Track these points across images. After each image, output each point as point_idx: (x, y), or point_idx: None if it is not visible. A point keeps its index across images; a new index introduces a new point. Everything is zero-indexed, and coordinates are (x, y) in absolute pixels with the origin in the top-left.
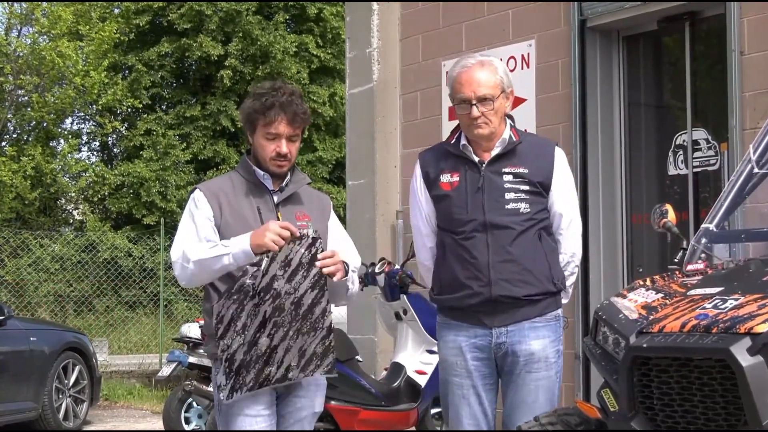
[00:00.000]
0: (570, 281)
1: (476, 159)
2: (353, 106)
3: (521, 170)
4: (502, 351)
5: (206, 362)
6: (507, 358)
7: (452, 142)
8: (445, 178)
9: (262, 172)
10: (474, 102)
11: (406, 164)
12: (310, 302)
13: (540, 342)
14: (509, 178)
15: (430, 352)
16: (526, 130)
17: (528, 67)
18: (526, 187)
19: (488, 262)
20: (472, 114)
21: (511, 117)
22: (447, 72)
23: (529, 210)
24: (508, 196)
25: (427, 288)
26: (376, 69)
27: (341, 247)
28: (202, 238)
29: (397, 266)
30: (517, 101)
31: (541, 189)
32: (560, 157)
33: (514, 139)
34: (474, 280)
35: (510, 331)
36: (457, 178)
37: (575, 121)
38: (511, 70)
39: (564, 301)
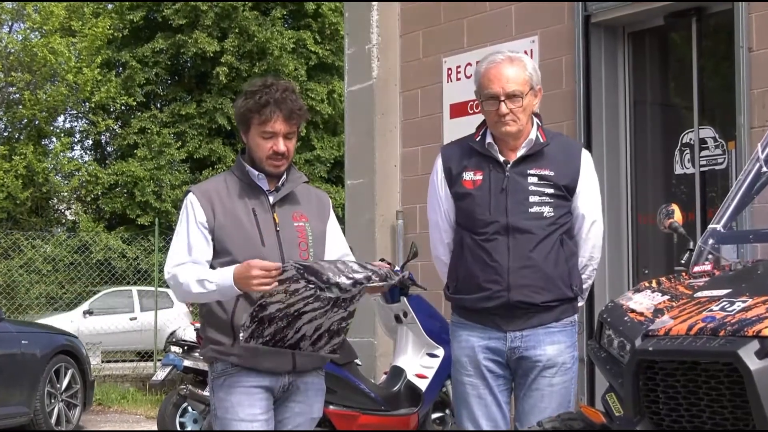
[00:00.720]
0: (587, 284)
1: (501, 159)
2: (352, 103)
3: (546, 173)
4: (516, 355)
5: (202, 366)
6: (521, 362)
7: (477, 139)
8: (468, 176)
9: (256, 172)
10: (502, 98)
11: (406, 163)
12: (350, 287)
13: (555, 347)
14: (534, 180)
15: (431, 355)
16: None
17: None
18: (551, 191)
19: (508, 266)
20: (501, 110)
21: (538, 116)
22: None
23: (552, 214)
24: (532, 199)
25: (427, 289)
26: (375, 66)
27: (340, 252)
28: (192, 249)
29: (397, 267)
30: None
31: (565, 192)
32: (586, 159)
33: (541, 140)
34: (492, 284)
35: (525, 336)
36: (481, 177)
37: (579, 119)
38: None
39: (579, 304)
